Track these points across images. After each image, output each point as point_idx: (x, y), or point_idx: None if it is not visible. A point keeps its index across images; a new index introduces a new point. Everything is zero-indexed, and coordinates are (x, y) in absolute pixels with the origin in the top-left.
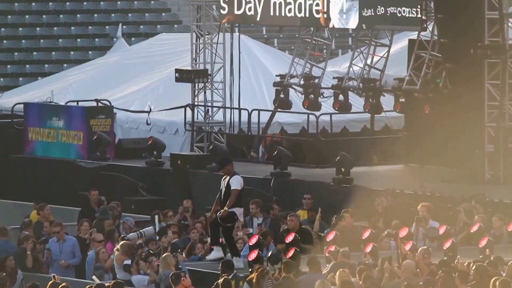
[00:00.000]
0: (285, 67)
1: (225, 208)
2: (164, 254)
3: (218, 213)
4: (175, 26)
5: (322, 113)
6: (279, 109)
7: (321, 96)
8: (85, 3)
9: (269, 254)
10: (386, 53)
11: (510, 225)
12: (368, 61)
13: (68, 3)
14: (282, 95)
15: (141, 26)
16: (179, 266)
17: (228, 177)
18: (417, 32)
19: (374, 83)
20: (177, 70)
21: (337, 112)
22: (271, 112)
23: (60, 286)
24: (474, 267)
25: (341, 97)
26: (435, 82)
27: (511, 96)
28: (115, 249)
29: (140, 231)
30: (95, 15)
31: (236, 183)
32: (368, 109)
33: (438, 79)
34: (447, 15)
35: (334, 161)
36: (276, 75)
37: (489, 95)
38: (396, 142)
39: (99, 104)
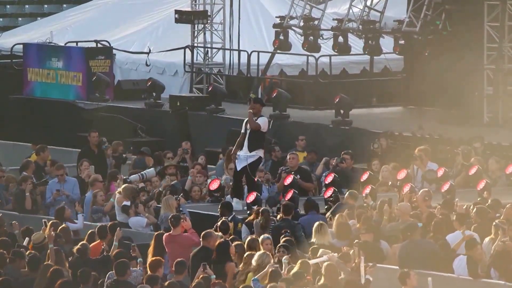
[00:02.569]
0: (285, 9)
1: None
2: (166, 196)
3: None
4: None
5: (322, 55)
6: (278, 51)
7: (321, 38)
8: None
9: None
10: None
11: (508, 168)
12: (368, 3)
13: None
14: (281, 37)
15: None
16: (180, 209)
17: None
18: None
19: (374, 25)
20: (176, 11)
21: (336, 54)
22: (270, 54)
23: (60, 227)
24: (475, 209)
25: (340, 39)
26: (435, 23)
27: (510, 38)
28: (116, 191)
29: (142, 172)
30: None
31: (261, 122)
32: (367, 51)
33: (437, 21)
34: None
35: (333, 103)
36: (276, 17)
37: (489, 37)
38: (395, 84)
39: (99, 45)
